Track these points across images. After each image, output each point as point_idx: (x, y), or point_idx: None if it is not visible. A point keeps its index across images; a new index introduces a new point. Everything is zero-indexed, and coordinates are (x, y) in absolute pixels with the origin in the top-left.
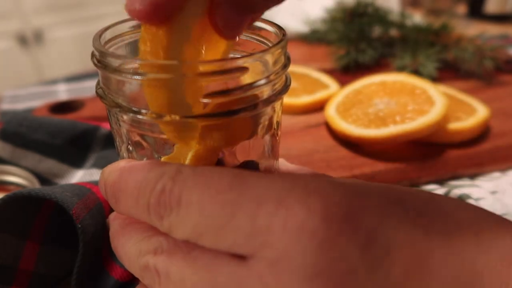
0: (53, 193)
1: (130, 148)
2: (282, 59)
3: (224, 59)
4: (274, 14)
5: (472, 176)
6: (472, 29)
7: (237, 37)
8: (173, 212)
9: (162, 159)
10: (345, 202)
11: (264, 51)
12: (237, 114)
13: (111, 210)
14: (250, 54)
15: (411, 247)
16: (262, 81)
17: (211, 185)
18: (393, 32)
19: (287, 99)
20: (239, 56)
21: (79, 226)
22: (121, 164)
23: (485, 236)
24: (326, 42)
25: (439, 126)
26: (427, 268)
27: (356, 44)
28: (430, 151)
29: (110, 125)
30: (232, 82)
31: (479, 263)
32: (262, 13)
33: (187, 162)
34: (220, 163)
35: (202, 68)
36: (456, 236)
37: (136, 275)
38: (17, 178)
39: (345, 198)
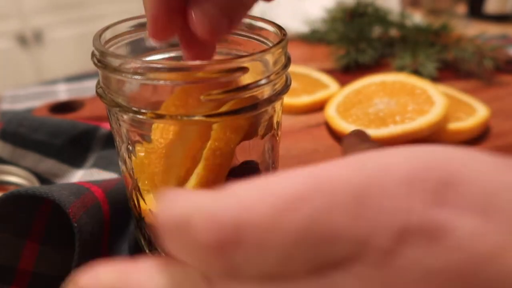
0: (50, 191)
1: (130, 148)
2: (283, 59)
3: (224, 59)
4: (274, 14)
5: None
6: (472, 29)
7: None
8: None
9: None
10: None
11: (264, 51)
12: (237, 114)
13: (110, 210)
14: (250, 54)
15: None
16: (263, 81)
17: None
18: (393, 32)
19: (287, 99)
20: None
21: (75, 225)
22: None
23: None
24: (326, 42)
25: (439, 126)
26: None
27: (356, 44)
28: None
29: (110, 125)
30: (233, 82)
31: None
32: (238, 22)
33: (199, 167)
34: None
35: (202, 68)
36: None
37: None
38: (17, 178)
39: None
